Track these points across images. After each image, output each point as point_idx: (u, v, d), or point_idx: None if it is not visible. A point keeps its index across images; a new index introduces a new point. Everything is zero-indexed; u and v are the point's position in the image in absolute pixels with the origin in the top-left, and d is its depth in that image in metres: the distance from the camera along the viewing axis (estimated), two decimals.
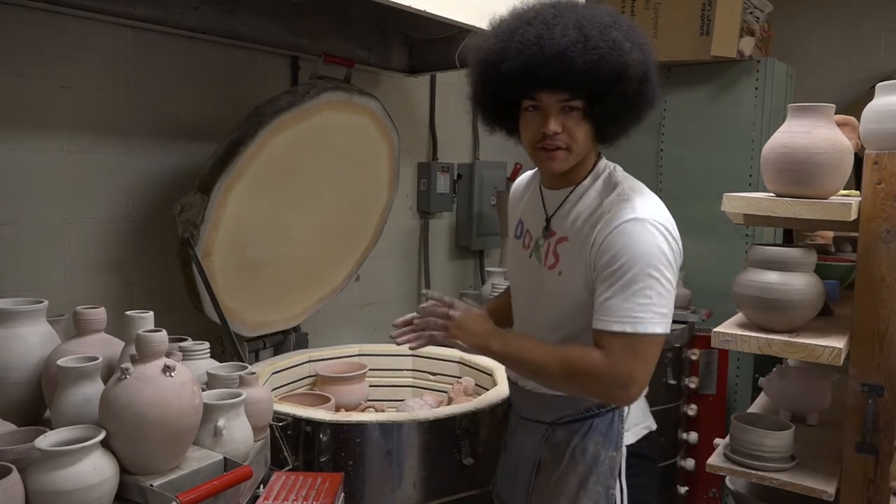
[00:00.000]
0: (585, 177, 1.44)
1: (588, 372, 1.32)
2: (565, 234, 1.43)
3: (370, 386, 2.25)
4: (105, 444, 1.08)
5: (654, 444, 1.59)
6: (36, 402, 1.27)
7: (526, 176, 1.67)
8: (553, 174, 1.45)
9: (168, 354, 1.17)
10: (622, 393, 1.32)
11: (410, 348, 1.53)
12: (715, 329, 1.64)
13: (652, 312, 1.29)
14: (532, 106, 1.35)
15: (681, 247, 1.36)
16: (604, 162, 1.47)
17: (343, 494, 1.47)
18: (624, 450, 1.47)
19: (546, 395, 1.48)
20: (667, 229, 1.33)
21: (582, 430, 1.46)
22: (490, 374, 2.11)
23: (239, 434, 1.27)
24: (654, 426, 1.58)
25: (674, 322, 2.66)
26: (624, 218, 1.32)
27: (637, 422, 1.54)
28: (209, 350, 1.52)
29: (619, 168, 1.48)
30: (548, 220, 1.47)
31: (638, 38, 1.32)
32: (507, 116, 1.43)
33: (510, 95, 1.36)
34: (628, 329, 1.29)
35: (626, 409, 1.48)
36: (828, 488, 1.59)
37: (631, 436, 1.51)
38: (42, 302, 1.32)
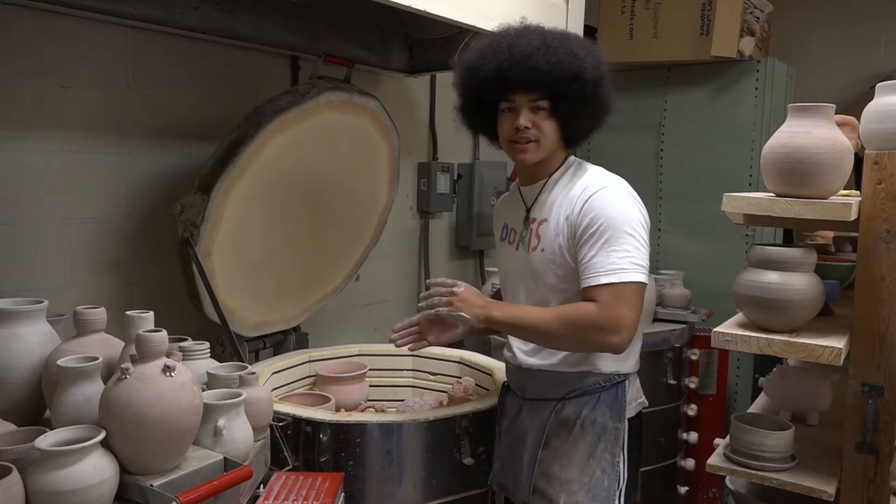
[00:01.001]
0: (557, 170, 1.65)
1: (585, 322, 1.48)
2: (544, 216, 1.62)
3: (370, 386, 2.25)
4: (105, 444, 1.08)
5: (642, 423, 1.72)
6: (36, 402, 1.27)
7: (507, 193, 1.85)
8: (526, 167, 1.65)
9: (168, 354, 1.17)
10: (615, 338, 1.47)
11: (410, 349, 1.70)
12: (715, 329, 1.64)
13: (632, 264, 1.48)
14: (507, 108, 1.58)
15: (646, 212, 1.58)
16: (573, 157, 1.68)
17: (343, 494, 1.47)
18: (626, 422, 1.61)
19: (555, 372, 1.62)
20: (633, 196, 1.57)
21: (590, 403, 1.60)
22: (490, 374, 2.12)
23: (239, 434, 1.28)
24: (646, 402, 1.72)
25: (674, 322, 2.70)
26: (597, 187, 1.55)
27: (635, 397, 1.67)
28: (209, 350, 1.52)
29: (585, 161, 1.69)
30: (528, 210, 1.66)
31: (592, 49, 1.58)
32: (487, 121, 1.65)
33: (488, 98, 1.59)
34: (614, 279, 1.47)
35: (627, 383, 1.63)
36: (828, 488, 1.59)
37: (631, 410, 1.64)
38: (42, 302, 1.33)
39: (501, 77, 1.52)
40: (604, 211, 1.51)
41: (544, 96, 1.54)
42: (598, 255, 1.49)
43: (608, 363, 1.60)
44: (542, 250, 1.60)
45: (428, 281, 1.66)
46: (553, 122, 1.57)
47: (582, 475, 1.58)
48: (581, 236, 1.52)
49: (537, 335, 1.58)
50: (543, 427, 1.63)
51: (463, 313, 1.58)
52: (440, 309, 1.60)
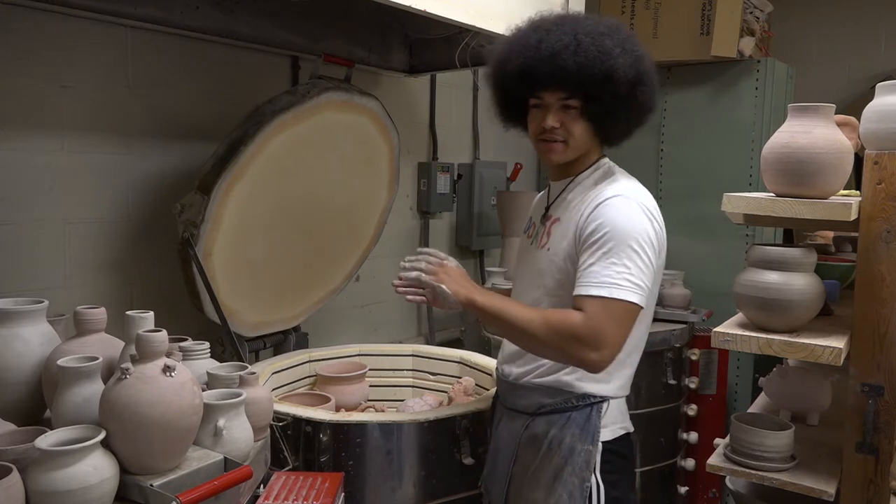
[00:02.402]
0: (585, 170, 1.57)
1: (566, 331, 1.37)
2: (559, 215, 1.56)
3: (370, 386, 2.25)
4: (105, 444, 1.08)
5: (631, 445, 1.61)
6: (36, 402, 1.27)
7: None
8: (554, 165, 1.59)
9: (168, 354, 1.17)
10: (594, 354, 1.36)
11: (408, 300, 1.57)
12: (715, 329, 1.64)
13: (629, 281, 1.37)
14: (536, 104, 1.50)
15: (663, 231, 1.49)
16: (606, 160, 1.59)
17: (343, 494, 1.47)
18: (600, 445, 1.50)
19: (528, 385, 1.55)
20: (650, 210, 1.46)
21: (560, 421, 1.51)
22: (490, 374, 2.11)
23: (239, 434, 1.28)
24: (631, 428, 1.60)
25: (674, 322, 2.70)
26: (609, 195, 1.46)
27: (615, 420, 1.55)
28: (209, 350, 1.52)
29: (618, 167, 1.59)
30: (547, 207, 1.61)
31: (631, 46, 1.45)
32: (517, 114, 1.58)
33: (517, 94, 1.52)
34: (604, 293, 1.36)
35: (604, 405, 1.51)
36: (828, 488, 1.59)
37: (608, 433, 1.52)
38: (42, 302, 1.33)
39: (528, 74, 1.44)
40: (611, 220, 1.41)
41: (574, 95, 1.45)
42: (596, 264, 1.39)
43: (585, 382, 1.50)
44: (548, 249, 1.54)
45: (419, 249, 1.57)
46: (584, 123, 1.48)
47: (547, 497, 1.49)
48: (584, 243, 1.44)
49: (516, 332, 1.46)
50: (516, 441, 1.57)
51: (444, 286, 1.48)
52: (421, 275, 1.50)
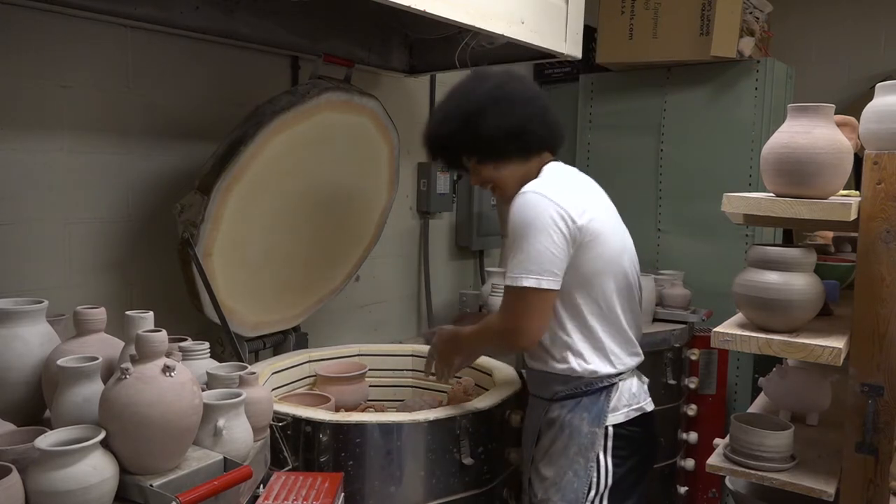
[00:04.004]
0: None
1: (490, 332, 1.66)
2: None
3: (370, 386, 2.25)
4: (105, 444, 1.08)
5: (649, 423, 1.72)
6: (36, 402, 1.27)
7: None
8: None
9: (168, 354, 1.17)
10: (517, 340, 1.58)
11: (442, 382, 1.97)
12: (715, 329, 1.64)
13: (524, 269, 1.53)
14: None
15: (567, 210, 1.55)
16: (550, 164, 1.71)
17: (343, 494, 1.47)
18: (610, 429, 1.64)
19: (543, 372, 1.70)
20: (546, 196, 1.56)
21: (571, 405, 1.66)
22: (490, 374, 2.11)
23: (239, 434, 1.28)
24: (648, 408, 1.71)
25: (674, 322, 2.70)
26: (517, 196, 1.60)
27: (628, 402, 1.67)
28: (209, 350, 1.52)
29: (556, 166, 1.71)
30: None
31: (463, 87, 1.71)
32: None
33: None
34: (508, 283, 1.56)
35: (613, 390, 1.65)
36: (828, 488, 1.59)
37: (620, 416, 1.66)
38: (42, 302, 1.33)
39: (433, 158, 1.78)
40: (512, 217, 1.57)
41: (457, 164, 1.73)
42: (509, 261, 1.58)
43: (580, 362, 1.64)
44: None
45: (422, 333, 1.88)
46: (488, 166, 1.68)
47: (556, 475, 1.65)
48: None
49: (477, 351, 1.87)
50: (538, 424, 1.73)
51: (440, 367, 1.84)
52: (446, 367, 1.85)
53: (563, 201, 1.56)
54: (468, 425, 1.76)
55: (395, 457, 1.71)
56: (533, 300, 1.53)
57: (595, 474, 1.62)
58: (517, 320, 1.55)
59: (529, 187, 1.60)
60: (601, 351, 1.65)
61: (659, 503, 2.73)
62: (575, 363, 1.64)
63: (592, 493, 1.62)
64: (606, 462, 1.63)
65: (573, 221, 1.55)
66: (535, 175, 1.67)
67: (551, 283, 1.53)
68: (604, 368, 1.65)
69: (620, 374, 1.67)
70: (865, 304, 1.54)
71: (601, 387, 1.65)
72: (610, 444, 1.64)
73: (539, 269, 1.52)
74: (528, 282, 1.52)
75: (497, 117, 1.62)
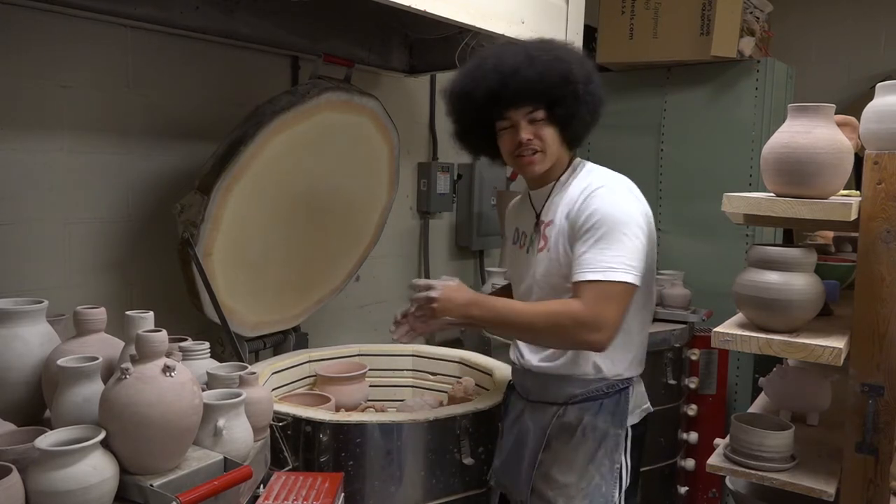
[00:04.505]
0: (564, 172, 1.66)
1: (566, 318, 1.47)
2: (551, 218, 1.63)
3: (370, 386, 2.25)
4: (105, 444, 1.08)
5: (648, 425, 1.72)
6: (36, 402, 1.27)
7: (519, 197, 1.86)
8: (534, 176, 1.65)
9: (168, 354, 1.17)
10: (596, 336, 1.46)
11: (404, 342, 1.70)
12: (715, 329, 1.64)
13: (623, 263, 1.47)
14: (504, 126, 1.59)
15: (648, 210, 1.59)
16: (578, 159, 1.69)
17: (343, 494, 1.47)
18: (629, 429, 1.61)
19: (559, 376, 1.62)
20: (636, 195, 1.58)
21: (593, 409, 1.60)
22: (490, 374, 2.12)
23: (239, 434, 1.28)
24: (651, 409, 1.72)
25: (674, 322, 2.69)
26: (597, 185, 1.56)
27: (639, 404, 1.67)
28: (209, 350, 1.52)
29: (590, 162, 1.70)
30: (538, 215, 1.67)
31: (574, 49, 1.63)
32: (486, 143, 1.66)
33: (485, 120, 1.60)
34: (600, 277, 1.46)
35: (630, 391, 1.63)
36: (828, 488, 1.59)
37: (634, 417, 1.64)
38: (42, 302, 1.33)
39: (494, 97, 1.54)
40: (601, 209, 1.51)
41: (539, 107, 1.55)
42: (589, 251, 1.49)
43: (609, 365, 1.60)
44: (548, 251, 1.61)
45: (411, 282, 1.62)
46: (552, 129, 1.57)
47: (580, 480, 1.58)
48: (577, 232, 1.53)
49: (518, 331, 1.58)
50: (545, 429, 1.63)
51: (437, 321, 1.60)
52: (428, 323, 1.63)
53: (644, 202, 1.58)
54: (468, 425, 1.76)
55: (395, 457, 1.71)
56: (625, 297, 1.48)
57: (619, 476, 1.59)
58: (603, 313, 1.45)
59: (614, 182, 1.57)
60: (632, 353, 1.63)
61: (659, 503, 2.73)
62: (603, 364, 1.59)
63: (618, 495, 1.58)
64: (626, 462, 1.60)
65: (650, 224, 1.57)
66: (565, 162, 1.65)
67: (640, 281, 1.50)
68: (629, 371, 1.63)
69: (636, 375, 1.67)
70: (866, 303, 1.54)
71: (620, 389, 1.62)
72: (628, 445, 1.61)
73: (637, 266, 1.48)
74: (629, 277, 1.46)
75: (600, 88, 1.59)
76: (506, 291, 1.90)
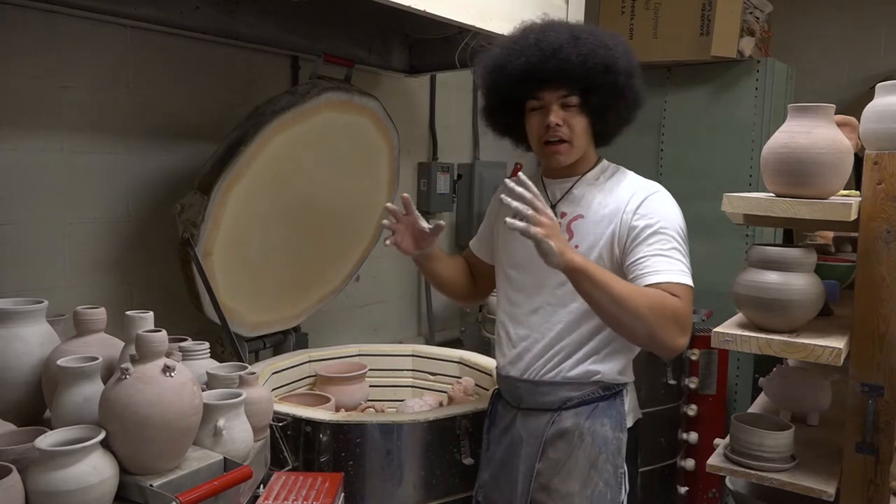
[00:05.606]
0: (590, 169, 1.61)
1: (669, 312, 1.39)
2: (580, 212, 1.56)
3: (370, 386, 2.25)
4: (105, 444, 1.08)
5: (638, 431, 1.69)
6: (36, 402, 1.27)
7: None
8: (559, 167, 1.59)
9: (168, 354, 1.17)
10: (682, 340, 1.42)
11: (386, 244, 1.60)
12: (715, 329, 1.64)
13: (689, 269, 1.49)
14: (535, 107, 1.52)
15: None
16: (606, 161, 1.65)
17: (343, 494, 1.47)
18: (627, 433, 1.57)
19: (553, 381, 1.56)
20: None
21: (588, 413, 1.55)
22: (490, 374, 2.11)
23: (239, 434, 1.27)
24: (640, 414, 1.69)
25: None
26: (653, 189, 1.54)
27: (632, 408, 1.64)
28: (209, 350, 1.52)
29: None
30: (554, 204, 1.59)
31: (621, 40, 1.52)
32: (514, 122, 1.59)
33: (516, 96, 1.53)
34: (688, 281, 1.46)
35: (624, 393, 1.59)
36: (828, 488, 1.59)
37: (629, 420, 1.61)
38: (42, 302, 1.32)
39: (530, 73, 1.45)
40: (664, 213, 1.49)
41: (574, 92, 1.47)
42: (666, 254, 1.46)
43: (613, 370, 1.56)
44: (577, 247, 1.51)
45: (510, 183, 1.34)
46: (584, 119, 1.51)
47: (584, 488, 1.51)
48: (638, 236, 1.48)
49: (615, 303, 1.36)
50: (540, 438, 1.56)
51: (552, 243, 1.31)
52: (530, 228, 1.31)
53: None
54: (468, 425, 1.76)
55: (395, 457, 1.71)
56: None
57: (622, 481, 1.53)
58: (691, 318, 1.44)
59: (661, 189, 1.55)
60: (631, 356, 1.61)
61: (659, 503, 2.73)
62: (603, 367, 1.54)
63: (621, 500, 1.53)
64: (627, 467, 1.55)
65: None
66: (591, 160, 1.60)
67: None
68: (624, 375, 1.60)
69: (631, 382, 1.63)
70: (865, 303, 1.54)
71: (615, 392, 1.57)
72: (625, 449, 1.56)
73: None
74: (691, 283, 1.48)
75: (643, 87, 1.55)
76: (454, 260, 1.79)
